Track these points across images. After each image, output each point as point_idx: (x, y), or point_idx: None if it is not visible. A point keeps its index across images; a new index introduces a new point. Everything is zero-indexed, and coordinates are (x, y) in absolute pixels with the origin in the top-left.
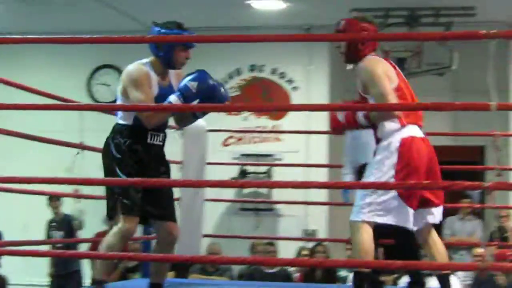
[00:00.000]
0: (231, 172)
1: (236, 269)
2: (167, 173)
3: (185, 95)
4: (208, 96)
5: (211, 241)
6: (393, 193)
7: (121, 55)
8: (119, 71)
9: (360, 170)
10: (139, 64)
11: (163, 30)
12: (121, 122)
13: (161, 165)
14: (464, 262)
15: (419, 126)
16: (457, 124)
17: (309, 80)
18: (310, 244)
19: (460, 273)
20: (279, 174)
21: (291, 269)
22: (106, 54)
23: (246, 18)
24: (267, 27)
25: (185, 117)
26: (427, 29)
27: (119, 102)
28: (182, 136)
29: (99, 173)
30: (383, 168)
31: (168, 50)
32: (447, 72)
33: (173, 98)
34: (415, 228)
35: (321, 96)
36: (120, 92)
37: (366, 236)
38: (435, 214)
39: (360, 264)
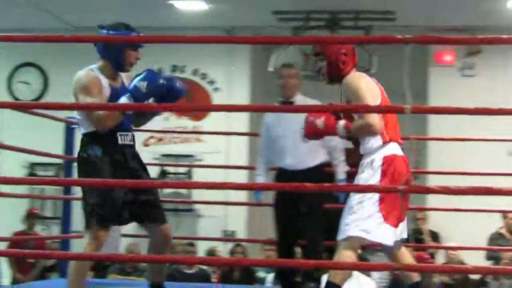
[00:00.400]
0: (151, 173)
1: None
2: (146, 172)
3: (135, 95)
4: (160, 95)
5: (130, 241)
6: (377, 213)
7: (43, 53)
8: (40, 69)
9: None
10: (87, 70)
11: (111, 32)
12: (85, 131)
13: (139, 165)
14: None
15: (399, 143)
16: None
17: (230, 81)
18: (229, 245)
19: (376, 275)
20: (199, 175)
21: (210, 269)
22: (28, 52)
23: (169, 18)
24: (190, 28)
25: (140, 117)
26: (347, 32)
27: (80, 113)
28: None
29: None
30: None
31: (118, 51)
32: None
33: (123, 99)
34: (391, 244)
35: (242, 97)
36: (75, 98)
37: (350, 253)
38: (404, 229)
39: (275, 263)
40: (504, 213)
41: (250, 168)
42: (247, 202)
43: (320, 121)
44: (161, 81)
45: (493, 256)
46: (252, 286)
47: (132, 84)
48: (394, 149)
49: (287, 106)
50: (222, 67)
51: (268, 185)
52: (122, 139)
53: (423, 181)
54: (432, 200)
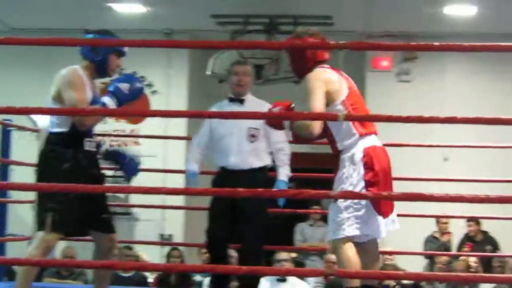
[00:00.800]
0: None
1: (91, 273)
2: (104, 180)
3: (118, 96)
4: (137, 97)
5: (66, 244)
6: (367, 205)
7: None
8: None
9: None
10: (73, 68)
11: (98, 36)
12: (56, 130)
13: (99, 173)
14: (316, 267)
15: (376, 134)
16: None
17: (169, 84)
18: (166, 249)
19: (311, 279)
20: (137, 178)
21: (146, 273)
22: None
23: (107, 21)
24: (128, 31)
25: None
26: (285, 37)
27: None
28: (39, 138)
29: None
30: (352, 182)
31: (105, 55)
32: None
33: (106, 100)
34: (384, 235)
35: (180, 100)
36: (52, 97)
37: (352, 252)
38: (395, 220)
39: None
40: (437, 217)
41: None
42: (184, 206)
43: (277, 109)
44: (139, 84)
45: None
46: None
47: (114, 86)
48: (372, 140)
49: (223, 112)
50: (160, 70)
51: (204, 190)
52: (88, 145)
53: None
54: None
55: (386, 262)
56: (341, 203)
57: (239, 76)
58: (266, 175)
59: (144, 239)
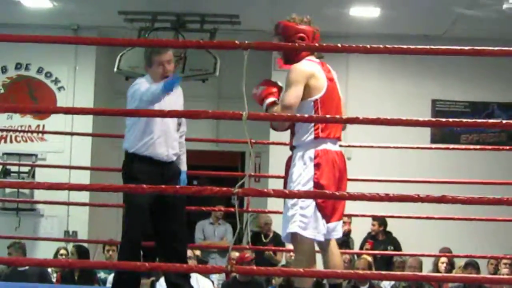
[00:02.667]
0: None
1: None
2: None
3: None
4: None
5: None
6: (312, 207)
7: None
8: None
9: None
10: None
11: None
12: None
13: None
14: (216, 265)
15: (337, 138)
16: (220, 129)
17: (75, 80)
18: (70, 245)
19: (215, 277)
20: (42, 174)
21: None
22: None
23: (14, 15)
24: (35, 26)
25: None
26: (193, 34)
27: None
28: None
29: None
30: (301, 181)
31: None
32: (211, 78)
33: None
34: (322, 239)
35: (86, 96)
36: None
37: (304, 248)
38: (338, 229)
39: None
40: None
41: (92, 168)
42: (88, 203)
43: (260, 88)
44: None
45: None
46: (92, 286)
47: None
48: (326, 144)
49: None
50: (67, 66)
51: (110, 186)
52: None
53: (265, 185)
54: (272, 204)
55: (288, 260)
56: (289, 200)
57: (164, 66)
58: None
59: (48, 236)
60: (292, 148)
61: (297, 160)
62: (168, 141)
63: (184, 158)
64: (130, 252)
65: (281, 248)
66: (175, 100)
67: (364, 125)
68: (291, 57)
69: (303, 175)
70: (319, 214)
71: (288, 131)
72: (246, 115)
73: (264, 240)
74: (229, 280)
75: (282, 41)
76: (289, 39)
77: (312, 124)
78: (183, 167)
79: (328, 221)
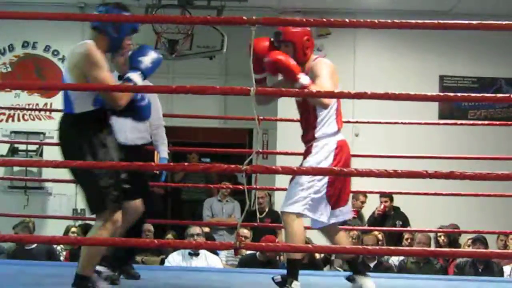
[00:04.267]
0: (1, 149)
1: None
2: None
3: (143, 70)
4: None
5: None
6: (323, 192)
7: None
8: None
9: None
10: (90, 45)
11: (125, 13)
12: (81, 111)
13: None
14: (224, 241)
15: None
16: (228, 107)
17: None
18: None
19: (223, 253)
20: (50, 152)
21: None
22: None
23: None
24: (42, 4)
25: None
26: (199, 11)
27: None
28: None
29: None
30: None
31: (124, 33)
32: (218, 55)
33: (134, 76)
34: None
35: None
36: (74, 76)
37: (301, 228)
38: (345, 211)
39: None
40: (353, 194)
41: None
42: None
43: (280, 56)
44: (157, 54)
45: None
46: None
47: (136, 60)
48: (342, 135)
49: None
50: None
51: (118, 164)
52: (110, 118)
53: (272, 162)
54: (280, 181)
55: None
56: (306, 182)
57: (126, 55)
58: (147, 151)
59: (57, 214)
60: (312, 139)
61: (319, 149)
62: (122, 127)
63: (162, 147)
64: None
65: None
66: None
67: (372, 100)
68: (303, 59)
69: (322, 163)
70: (326, 200)
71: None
72: (254, 91)
73: (260, 216)
74: (247, 257)
75: (291, 48)
76: (299, 44)
77: (334, 117)
78: (163, 154)
79: (333, 208)
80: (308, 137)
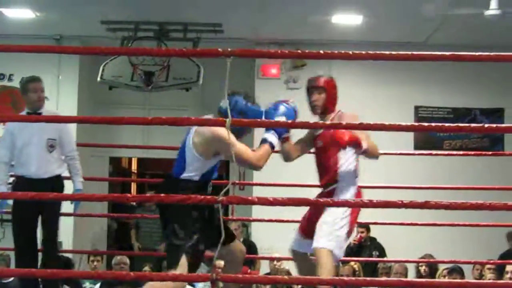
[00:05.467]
0: None
1: None
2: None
3: (279, 132)
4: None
5: None
6: (346, 228)
7: None
8: None
9: None
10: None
11: (250, 106)
12: (188, 177)
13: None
14: (205, 273)
15: None
16: None
17: (59, 90)
18: None
19: (200, 285)
20: None
21: None
22: None
23: None
24: (18, 36)
25: None
26: (176, 43)
27: (187, 154)
28: None
29: None
30: (346, 211)
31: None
32: (195, 87)
33: (273, 139)
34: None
35: (70, 106)
36: (197, 151)
37: (332, 264)
38: None
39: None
40: None
41: None
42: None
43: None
44: (287, 108)
45: None
46: None
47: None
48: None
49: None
50: (50, 76)
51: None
52: (209, 189)
53: (249, 193)
54: (257, 212)
55: (277, 267)
56: (339, 219)
57: (38, 93)
58: (62, 182)
59: None
60: (333, 181)
61: (344, 192)
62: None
63: (76, 177)
64: None
65: (266, 256)
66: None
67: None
68: (331, 107)
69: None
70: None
71: None
72: (229, 122)
73: None
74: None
75: (323, 94)
76: (332, 91)
77: (356, 163)
78: (77, 185)
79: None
80: (327, 179)
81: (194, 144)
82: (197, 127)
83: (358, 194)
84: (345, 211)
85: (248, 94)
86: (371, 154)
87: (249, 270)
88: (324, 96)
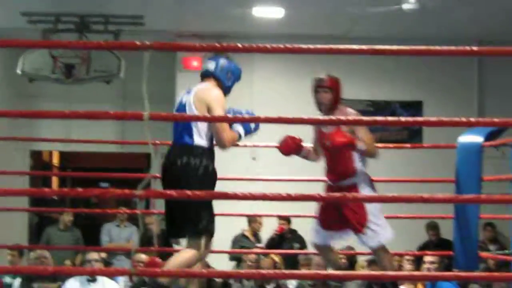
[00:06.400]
0: None
1: None
2: None
3: (247, 133)
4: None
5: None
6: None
7: None
8: None
9: None
10: (216, 87)
11: (234, 65)
12: (198, 144)
13: None
14: (123, 267)
15: None
16: (126, 132)
17: None
18: None
19: (121, 278)
20: None
21: None
22: None
23: None
24: None
25: None
26: (97, 36)
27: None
28: None
29: None
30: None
31: (233, 83)
32: (115, 80)
33: (242, 132)
34: None
35: None
36: (198, 110)
37: (388, 253)
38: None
39: None
40: (250, 217)
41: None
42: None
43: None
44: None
45: (236, 257)
46: None
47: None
48: None
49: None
50: None
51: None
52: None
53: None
54: None
55: None
56: (377, 212)
57: None
58: None
59: None
60: (349, 177)
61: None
62: None
63: None
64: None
65: (179, 248)
66: None
67: (269, 124)
68: (336, 107)
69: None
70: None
71: None
72: (148, 116)
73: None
74: (139, 282)
75: (329, 94)
76: (338, 90)
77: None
78: None
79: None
80: (347, 171)
81: (196, 108)
82: (197, 91)
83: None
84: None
85: (228, 55)
86: (368, 153)
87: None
88: (330, 95)
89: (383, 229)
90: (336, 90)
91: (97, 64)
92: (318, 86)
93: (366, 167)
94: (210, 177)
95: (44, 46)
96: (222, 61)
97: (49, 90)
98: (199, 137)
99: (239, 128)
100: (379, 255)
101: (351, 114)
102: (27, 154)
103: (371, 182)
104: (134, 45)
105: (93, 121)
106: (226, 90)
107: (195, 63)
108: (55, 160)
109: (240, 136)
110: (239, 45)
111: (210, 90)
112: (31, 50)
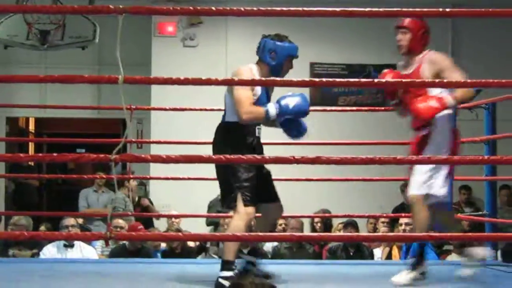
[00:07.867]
0: None
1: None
2: None
3: (282, 106)
4: (300, 115)
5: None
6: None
7: None
8: None
9: None
10: (249, 67)
11: (278, 43)
12: (231, 120)
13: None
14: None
15: None
16: (102, 97)
17: None
18: None
19: (99, 244)
20: None
21: None
22: None
23: None
24: None
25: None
26: (71, 1)
27: (226, 100)
28: None
29: None
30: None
31: (281, 61)
32: (91, 46)
33: (272, 109)
34: None
35: None
36: (227, 89)
37: (424, 210)
38: None
39: None
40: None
41: None
42: None
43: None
44: (306, 105)
45: (213, 221)
46: None
47: (283, 97)
48: None
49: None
50: None
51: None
52: (258, 132)
53: (148, 151)
54: (156, 170)
55: (171, 225)
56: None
57: None
58: None
59: None
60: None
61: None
62: None
63: None
64: None
65: (163, 214)
66: None
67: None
68: (417, 48)
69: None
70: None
71: None
72: (122, 79)
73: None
74: (118, 247)
75: (408, 35)
76: (416, 31)
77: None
78: None
79: None
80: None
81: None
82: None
83: (455, 136)
84: (439, 151)
85: (279, 34)
86: (463, 101)
87: (140, 227)
88: (408, 36)
89: (424, 184)
90: (415, 31)
91: (72, 30)
92: (396, 27)
93: (452, 118)
94: (236, 150)
95: (17, 11)
96: (263, 42)
97: (25, 57)
98: (231, 114)
99: (270, 106)
100: (411, 205)
101: (436, 57)
102: (3, 121)
103: (447, 134)
104: (108, 9)
105: (69, 87)
106: (274, 70)
107: (170, 28)
108: (31, 127)
109: (267, 113)
110: (213, 8)
111: (235, 70)
112: (5, 17)
